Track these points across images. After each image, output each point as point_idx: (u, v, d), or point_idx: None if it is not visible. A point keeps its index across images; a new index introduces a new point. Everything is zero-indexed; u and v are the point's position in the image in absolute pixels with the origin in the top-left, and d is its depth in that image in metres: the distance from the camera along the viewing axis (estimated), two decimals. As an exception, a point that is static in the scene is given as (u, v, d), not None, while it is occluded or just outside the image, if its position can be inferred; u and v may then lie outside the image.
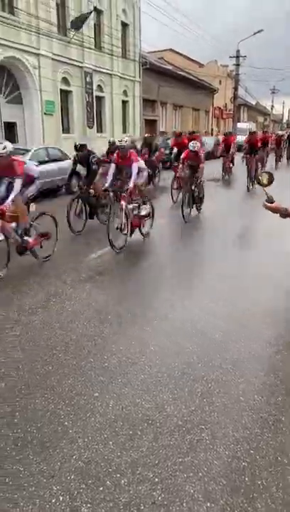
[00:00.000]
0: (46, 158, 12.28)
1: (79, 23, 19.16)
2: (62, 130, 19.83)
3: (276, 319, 4.38)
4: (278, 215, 3.29)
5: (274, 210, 3.28)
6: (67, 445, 2.64)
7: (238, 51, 35.03)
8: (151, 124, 29.60)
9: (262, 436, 2.72)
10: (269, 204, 3.29)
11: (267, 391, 3.19)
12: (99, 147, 20.72)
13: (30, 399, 3.09)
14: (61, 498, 2.27)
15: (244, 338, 3.99)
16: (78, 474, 2.43)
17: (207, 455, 2.57)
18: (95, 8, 20.84)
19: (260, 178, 3.33)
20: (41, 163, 11.85)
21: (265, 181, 3.36)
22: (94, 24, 21.76)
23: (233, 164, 16.72)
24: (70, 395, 3.15)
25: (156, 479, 2.39)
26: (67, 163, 11.44)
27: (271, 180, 3.32)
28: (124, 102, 25.85)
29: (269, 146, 18.92)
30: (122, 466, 2.48)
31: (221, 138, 19.92)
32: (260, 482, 2.36)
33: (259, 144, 15.12)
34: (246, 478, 2.39)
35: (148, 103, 28.76)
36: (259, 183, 3.27)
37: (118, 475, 2.42)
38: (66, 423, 2.84)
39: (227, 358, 3.65)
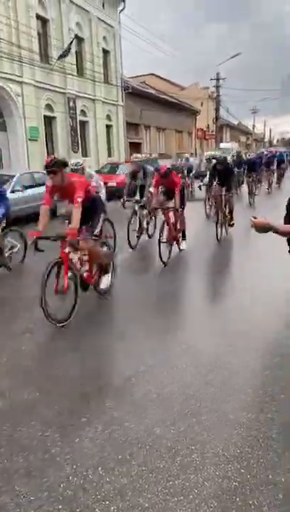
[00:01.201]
0: (31, 183, 12.43)
1: (65, 52, 19.57)
2: (47, 155, 19.98)
3: (266, 336, 4.39)
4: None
5: (259, 226, 3.36)
6: (55, 473, 2.58)
7: (218, 73, 36.01)
8: (135, 147, 29.99)
9: (253, 455, 2.69)
10: (254, 220, 3.38)
11: (257, 408, 3.17)
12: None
13: (16, 426, 3.03)
14: (49, 529, 2.21)
15: (235, 355, 3.98)
16: (66, 503, 2.37)
17: (198, 476, 2.52)
18: (76, 36, 21.31)
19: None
20: (26, 187, 12.04)
21: None
22: (76, 51, 22.20)
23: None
24: (57, 421, 3.08)
25: (146, 504, 2.34)
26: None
27: None
28: (108, 126, 26.21)
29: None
30: (111, 492, 2.43)
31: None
32: (251, 502, 2.33)
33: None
34: (238, 499, 2.35)
35: (131, 126, 29.20)
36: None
37: (107, 502, 2.36)
38: (53, 450, 2.78)
39: (217, 375, 3.63)
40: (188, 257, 7.94)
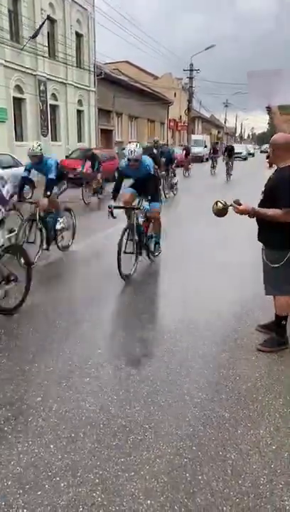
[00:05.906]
0: (-4, 166, 12.13)
1: (36, 33, 18.99)
2: (16, 138, 19.51)
3: (224, 320, 4.45)
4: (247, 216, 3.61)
5: (243, 212, 3.56)
6: (5, 451, 2.54)
7: (191, 65, 35.99)
8: (106, 134, 29.69)
9: (205, 433, 2.73)
10: (238, 206, 3.59)
11: (212, 389, 3.22)
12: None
13: None
14: (-4, 505, 2.17)
15: (192, 338, 4.02)
16: (16, 480, 2.34)
17: (150, 453, 2.54)
18: (48, 17, 20.78)
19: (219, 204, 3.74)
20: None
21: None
22: (48, 33, 21.65)
23: None
24: (12, 400, 3.04)
25: (97, 480, 2.34)
26: (21, 170, 11.27)
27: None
28: (79, 112, 25.80)
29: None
30: (62, 469, 2.42)
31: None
32: (201, 477, 2.36)
33: None
34: (187, 474, 2.38)
35: (103, 113, 28.84)
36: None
37: (57, 478, 2.35)
38: (6, 428, 2.74)
39: (174, 358, 3.66)
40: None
